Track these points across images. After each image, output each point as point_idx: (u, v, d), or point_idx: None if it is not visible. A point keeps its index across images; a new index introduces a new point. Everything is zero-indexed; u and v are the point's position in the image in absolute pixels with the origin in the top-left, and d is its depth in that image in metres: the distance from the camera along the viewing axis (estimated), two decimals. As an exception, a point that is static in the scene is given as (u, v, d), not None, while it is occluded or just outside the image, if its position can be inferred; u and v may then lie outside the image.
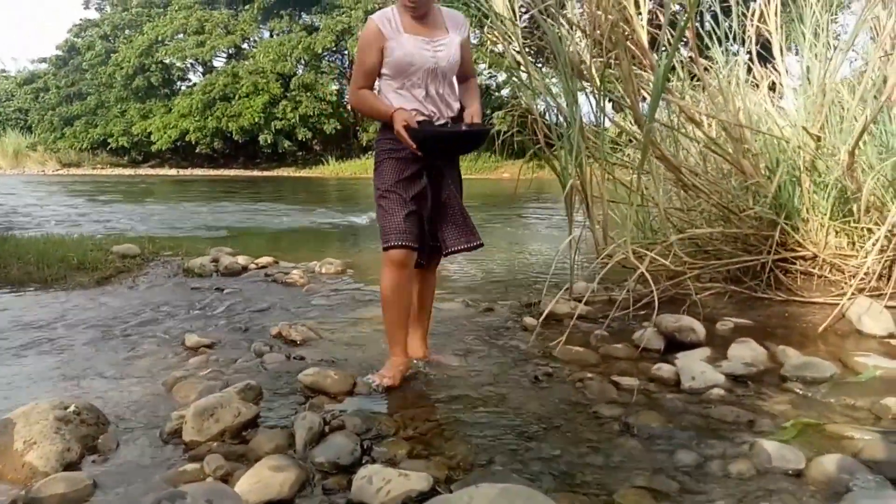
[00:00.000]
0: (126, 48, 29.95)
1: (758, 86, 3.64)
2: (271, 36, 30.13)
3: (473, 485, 1.40)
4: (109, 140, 30.53)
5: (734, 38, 3.42)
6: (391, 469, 1.61)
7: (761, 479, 1.61)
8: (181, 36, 29.80)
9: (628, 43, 2.81)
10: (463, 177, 2.49)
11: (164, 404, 2.20)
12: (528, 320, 3.09)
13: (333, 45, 27.99)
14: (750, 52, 3.50)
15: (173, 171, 28.76)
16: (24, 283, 4.27)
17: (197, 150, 29.33)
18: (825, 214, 3.19)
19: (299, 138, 27.91)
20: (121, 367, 2.63)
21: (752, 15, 3.46)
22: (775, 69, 3.61)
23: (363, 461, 1.75)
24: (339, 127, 28.03)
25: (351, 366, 2.51)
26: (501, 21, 3.09)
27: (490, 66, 22.40)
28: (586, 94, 3.16)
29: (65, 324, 3.28)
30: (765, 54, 3.59)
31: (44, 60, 34.93)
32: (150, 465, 1.78)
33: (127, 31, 31.32)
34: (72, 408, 1.96)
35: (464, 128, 2.27)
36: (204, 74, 30.40)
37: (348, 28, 27.13)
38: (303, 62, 28.31)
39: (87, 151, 31.99)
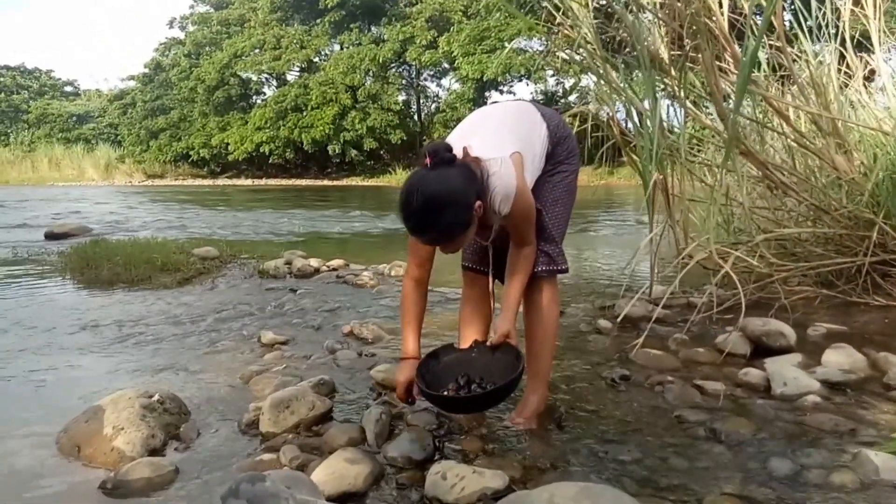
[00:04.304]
0: (207, 63, 31.44)
1: (851, 76, 3.40)
2: (342, 49, 30.91)
3: (553, 483, 1.34)
4: (191, 152, 32.09)
5: (827, 26, 3.21)
6: (465, 466, 1.58)
7: (867, 492, 1.48)
8: (258, 51, 31.02)
9: (710, 33, 2.69)
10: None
11: (241, 397, 2.25)
12: (603, 323, 3.00)
13: (396, 55, 28.45)
14: (844, 41, 3.28)
15: (248, 182, 29.89)
16: (113, 282, 4.51)
17: (270, 161, 30.38)
18: (930, 213, 2.94)
19: (366, 148, 28.48)
20: (201, 361, 2.72)
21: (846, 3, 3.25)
22: (871, 59, 3.37)
23: (436, 457, 1.72)
24: (404, 137, 28.42)
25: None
26: (575, 16, 3.03)
27: (558, 73, 22.22)
28: (664, 91, 3.05)
29: (150, 321, 3.42)
30: (863, 41, 3.35)
31: (132, 78, 37.17)
32: (228, 454, 1.81)
33: (208, 48, 32.87)
34: (156, 397, 2.03)
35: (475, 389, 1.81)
36: (278, 88, 31.51)
37: (411, 37, 27.52)
38: (371, 73, 28.90)
39: (171, 163, 33.74)
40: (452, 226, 1.62)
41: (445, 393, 1.81)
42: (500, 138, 1.77)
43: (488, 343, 1.86)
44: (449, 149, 1.61)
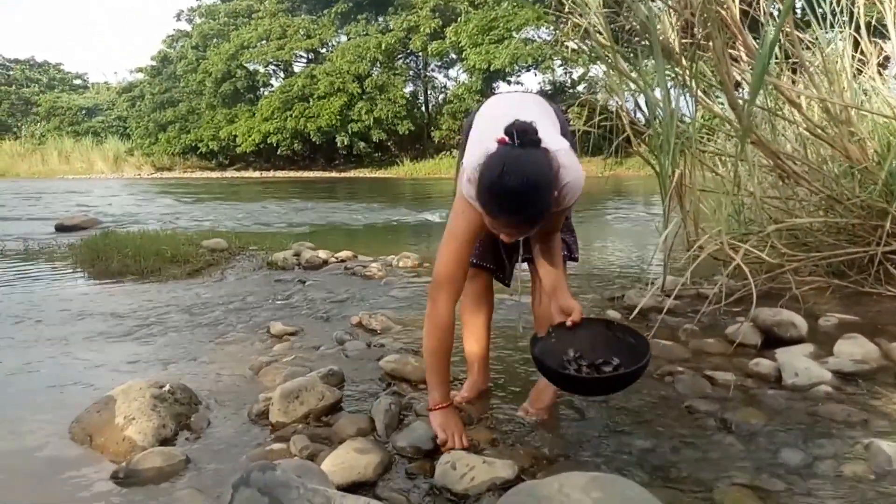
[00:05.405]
0: (214, 55, 31.45)
1: (865, 63, 3.35)
2: (348, 40, 30.85)
3: (562, 473, 1.34)
4: (199, 145, 32.16)
5: (841, 12, 3.16)
6: (475, 455, 1.58)
7: (880, 483, 1.47)
8: (264, 42, 30.99)
9: (721, 22, 2.65)
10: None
11: (251, 387, 2.26)
12: (612, 314, 2.99)
13: (401, 44, 28.39)
14: (858, 27, 3.23)
15: (256, 174, 29.96)
16: (122, 274, 4.54)
17: (278, 153, 30.44)
18: (945, 202, 2.90)
19: (374, 140, 28.45)
20: (211, 352, 2.74)
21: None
22: (886, 45, 3.32)
23: (445, 447, 1.72)
24: (412, 128, 28.38)
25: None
26: (584, 4, 3.00)
27: (566, 62, 22.06)
28: (674, 81, 3.02)
29: (159, 312, 3.44)
30: (879, 27, 3.30)
31: (140, 70, 37.24)
32: (238, 444, 1.82)
33: (215, 40, 32.88)
34: (167, 387, 2.04)
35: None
36: (285, 79, 31.52)
37: (416, 26, 27.43)
38: (378, 64, 28.82)
39: (179, 156, 33.85)
40: (543, 210, 1.50)
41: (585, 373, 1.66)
42: (548, 130, 1.67)
43: (568, 323, 1.72)
44: (536, 131, 1.51)
